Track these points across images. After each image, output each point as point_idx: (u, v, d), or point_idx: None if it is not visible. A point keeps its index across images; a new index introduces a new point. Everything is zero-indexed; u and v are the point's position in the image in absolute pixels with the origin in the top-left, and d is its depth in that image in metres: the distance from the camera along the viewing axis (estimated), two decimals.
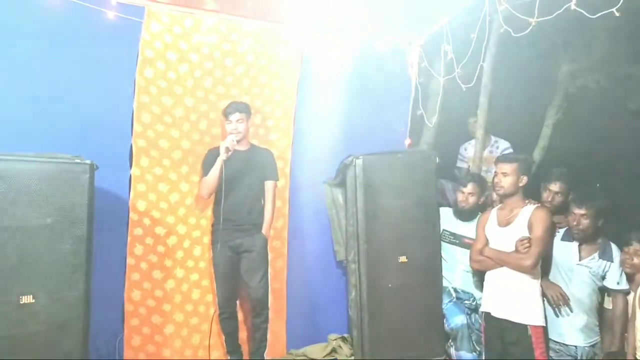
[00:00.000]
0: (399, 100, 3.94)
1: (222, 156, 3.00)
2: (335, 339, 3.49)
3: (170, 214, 3.17)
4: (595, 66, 4.95)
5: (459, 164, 4.41)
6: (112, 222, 2.94)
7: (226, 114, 3.13)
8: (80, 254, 2.43)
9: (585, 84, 5.05)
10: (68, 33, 2.84)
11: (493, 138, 4.26)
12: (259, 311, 3.07)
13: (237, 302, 3.23)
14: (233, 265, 3.11)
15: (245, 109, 3.13)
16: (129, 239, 3.03)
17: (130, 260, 3.03)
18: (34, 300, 2.31)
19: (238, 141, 3.11)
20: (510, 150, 4.13)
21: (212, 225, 3.21)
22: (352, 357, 3.33)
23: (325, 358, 3.38)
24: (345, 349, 3.39)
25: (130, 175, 3.04)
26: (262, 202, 3.16)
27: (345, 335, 3.54)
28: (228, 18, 3.23)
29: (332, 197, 3.66)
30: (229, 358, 3.19)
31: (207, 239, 3.27)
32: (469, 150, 4.36)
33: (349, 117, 3.68)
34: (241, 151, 3.17)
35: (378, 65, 3.78)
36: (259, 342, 3.10)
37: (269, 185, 3.18)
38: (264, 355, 3.10)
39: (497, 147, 4.28)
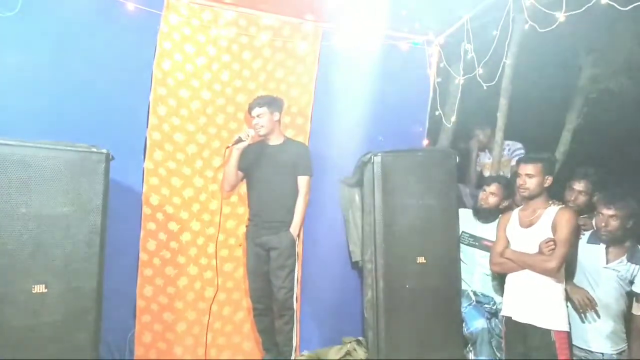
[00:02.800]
0: (418, 100, 3.87)
1: (231, 146, 3.01)
2: (350, 342, 3.39)
3: (184, 209, 3.12)
4: (617, 71, 4.88)
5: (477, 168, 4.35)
6: (125, 215, 2.89)
7: (249, 109, 3.10)
8: (94, 244, 2.39)
9: (606, 88, 4.96)
10: (87, 23, 2.82)
11: (505, 142, 4.18)
12: (282, 312, 2.97)
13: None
14: (262, 261, 3.03)
15: (266, 103, 3.07)
16: (142, 233, 2.99)
17: (143, 256, 2.98)
18: (46, 290, 2.27)
19: (261, 135, 3.08)
20: (523, 152, 4.06)
21: (248, 220, 3.15)
22: None
23: None
24: (360, 352, 3.30)
25: (143, 169, 2.99)
26: (294, 199, 3.06)
27: (360, 338, 3.44)
28: (247, 11, 3.20)
29: (348, 196, 3.59)
30: (264, 358, 3.13)
31: (222, 237, 3.21)
32: (482, 156, 4.31)
33: (366, 116, 3.61)
34: (273, 145, 3.12)
35: (397, 64, 3.72)
36: (282, 345, 2.99)
37: (302, 181, 3.09)
38: None
39: (510, 150, 4.21)
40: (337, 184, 3.61)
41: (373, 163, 3.16)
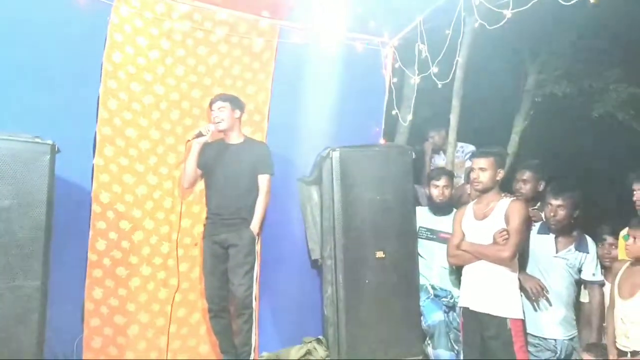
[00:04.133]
0: (374, 100, 3.92)
1: (192, 139, 2.96)
2: (310, 341, 3.34)
3: (137, 207, 2.99)
4: (560, 77, 5.16)
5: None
6: (71, 213, 2.74)
7: (210, 103, 3.06)
8: (38, 240, 2.26)
9: (551, 92, 5.23)
10: (35, 10, 2.69)
11: (458, 144, 4.30)
12: (240, 311, 2.88)
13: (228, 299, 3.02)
14: (219, 260, 2.96)
15: (229, 99, 3.04)
16: (90, 232, 2.84)
17: (91, 256, 2.83)
18: None
19: (221, 130, 3.04)
20: None
21: (206, 219, 3.07)
22: (328, 358, 3.18)
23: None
24: (321, 351, 3.25)
25: (93, 165, 2.86)
26: (254, 198, 3.01)
27: (320, 337, 3.40)
28: (201, 5, 3.14)
29: (307, 194, 3.57)
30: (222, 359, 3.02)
31: (175, 236, 3.10)
32: (436, 159, 4.41)
33: (324, 115, 3.62)
34: (233, 144, 3.08)
35: (353, 64, 3.75)
36: (241, 346, 2.90)
37: (262, 179, 3.05)
38: None
39: (463, 151, 4.34)
40: (296, 183, 3.58)
41: (332, 158, 3.17)
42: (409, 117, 4.00)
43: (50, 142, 2.34)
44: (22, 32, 2.68)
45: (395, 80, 3.94)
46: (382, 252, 3.16)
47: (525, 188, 3.25)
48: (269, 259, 3.38)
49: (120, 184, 2.94)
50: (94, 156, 2.87)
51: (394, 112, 3.96)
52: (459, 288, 3.19)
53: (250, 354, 2.87)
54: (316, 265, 3.55)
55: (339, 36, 3.64)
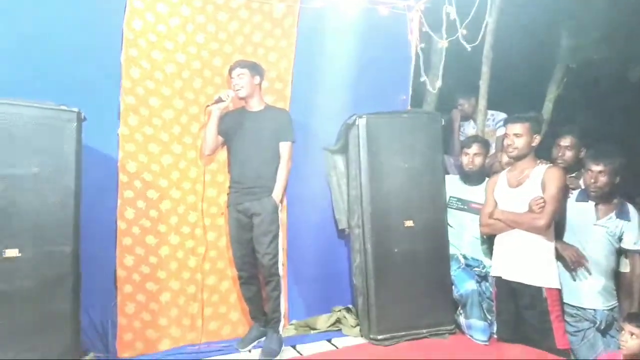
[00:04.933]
0: (400, 66, 3.79)
1: (211, 105, 2.94)
2: (339, 310, 3.32)
3: (163, 177, 2.98)
4: (598, 41, 4.90)
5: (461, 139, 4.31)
6: (99, 181, 2.74)
7: (230, 70, 3.00)
8: (68, 207, 2.26)
9: (586, 57, 4.99)
10: None
11: (489, 112, 4.16)
12: (268, 279, 2.86)
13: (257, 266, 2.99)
14: (245, 229, 2.93)
15: (248, 66, 2.97)
16: (119, 201, 2.84)
17: (121, 224, 2.84)
18: (19, 254, 2.13)
19: (241, 98, 2.99)
20: None
21: (229, 188, 3.05)
22: (358, 327, 3.16)
23: (330, 329, 3.21)
24: (350, 319, 3.23)
25: (118, 134, 2.85)
26: (276, 166, 2.96)
27: (350, 306, 3.37)
28: None
29: (332, 163, 3.50)
30: (252, 327, 3.06)
31: (202, 205, 3.09)
32: (466, 127, 4.28)
33: (349, 83, 3.52)
34: (253, 112, 3.03)
35: (379, 30, 3.63)
36: (271, 312, 2.88)
37: (283, 146, 2.98)
38: (279, 329, 2.87)
39: (494, 120, 4.19)
40: (321, 152, 3.52)
41: (358, 125, 3.09)
42: (438, 83, 3.86)
43: (76, 109, 2.32)
44: (44, 1, 2.66)
45: (422, 45, 3.79)
46: (411, 220, 3.09)
47: (567, 155, 3.11)
48: (296, 228, 3.37)
49: (146, 153, 2.93)
50: (119, 126, 2.85)
51: (421, 79, 3.83)
52: (490, 258, 3.11)
53: (280, 320, 2.86)
54: (343, 234, 3.51)
55: (363, 0, 3.51)
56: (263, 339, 2.93)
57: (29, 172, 2.18)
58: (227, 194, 3.05)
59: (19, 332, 2.14)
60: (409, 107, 3.83)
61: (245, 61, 3.02)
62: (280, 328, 2.89)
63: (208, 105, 2.98)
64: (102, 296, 2.76)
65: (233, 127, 3.02)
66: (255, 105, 3.04)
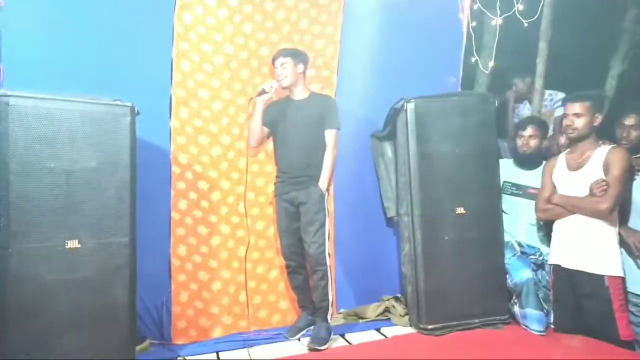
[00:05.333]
0: (451, 47, 3.66)
1: (255, 97, 2.96)
2: (388, 299, 3.29)
3: (213, 168, 3.04)
4: None
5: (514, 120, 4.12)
6: (154, 174, 2.83)
7: (273, 60, 2.99)
8: (124, 200, 2.35)
9: None
10: None
11: (546, 92, 3.94)
12: (315, 268, 2.87)
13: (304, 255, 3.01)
14: (292, 218, 2.95)
15: (290, 54, 2.95)
16: (172, 193, 2.93)
17: (174, 215, 2.94)
18: (80, 245, 2.24)
19: (285, 87, 2.98)
20: None
21: (276, 177, 3.08)
22: (407, 316, 3.12)
23: (378, 318, 3.20)
24: (399, 308, 3.19)
25: (170, 127, 2.93)
26: (322, 154, 2.94)
27: (399, 295, 3.34)
28: None
29: (380, 150, 3.45)
30: (300, 315, 3.10)
31: (252, 195, 3.14)
32: (521, 107, 4.09)
33: (398, 67, 3.45)
34: (298, 100, 3.02)
35: (427, 10, 3.51)
36: (319, 301, 2.90)
37: (328, 134, 2.95)
38: (328, 317, 2.88)
39: (552, 100, 3.98)
40: (368, 139, 3.47)
41: (406, 110, 3.01)
42: (490, 63, 3.70)
43: (129, 104, 2.39)
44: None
45: (474, 24, 3.63)
46: (462, 208, 3.00)
47: (632, 134, 2.91)
48: (343, 217, 3.36)
49: (196, 145, 2.99)
50: (170, 118, 2.92)
51: (473, 60, 3.69)
52: (547, 245, 2.98)
53: (328, 309, 2.86)
54: (392, 223, 3.46)
55: None
56: (312, 327, 2.96)
57: (87, 166, 2.27)
58: (274, 184, 3.07)
59: (80, 319, 2.26)
60: (459, 90, 3.70)
61: (288, 49, 3.01)
62: (329, 317, 2.90)
63: (252, 98, 2.99)
64: (158, 285, 2.87)
65: (278, 117, 3.02)
66: (299, 94, 3.03)
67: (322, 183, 2.91)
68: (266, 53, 3.13)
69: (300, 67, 2.99)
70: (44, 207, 2.19)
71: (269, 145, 3.18)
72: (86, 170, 2.27)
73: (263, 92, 2.95)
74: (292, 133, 2.96)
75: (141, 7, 2.82)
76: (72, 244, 2.23)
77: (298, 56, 2.98)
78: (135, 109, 2.44)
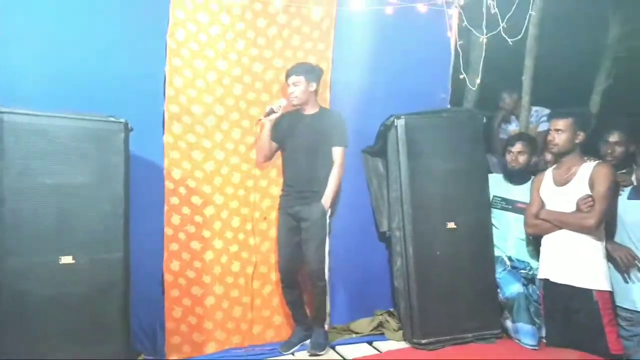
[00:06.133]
0: (439, 65, 3.72)
1: (263, 118, 2.97)
2: (381, 314, 3.31)
3: (206, 183, 3.05)
4: None
5: (502, 136, 4.21)
6: (146, 189, 2.83)
7: (286, 76, 3.03)
8: (118, 215, 2.36)
9: (635, 47, 4.75)
10: None
11: (532, 108, 4.04)
12: (315, 282, 2.90)
13: (299, 271, 3.05)
14: (293, 233, 2.97)
15: (304, 71, 2.98)
16: (165, 208, 2.93)
17: (167, 230, 2.93)
18: (74, 261, 2.25)
19: (295, 105, 3.01)
20: None
21: (282, 190, 3.10)
22: (400, 331, 3.14)
23: (372, 333, 3.20)
24: (393, 323, 3.21)
25: (163, 142, 2.94)
26: (328, 170, 2.95)
27: (392, 309, 3.35)
28: None
29: (372, 165, 3.49)
30: (295, 330, 3.09)
31: (245, 210, 3.15)
32: (509, 124, 4.18)
33: (387, 82, 3.51)
34: (308, 115, 3.05)
35: (417, 28, 3.58)
36: (317, 312, 2.93)
37: (335, 151, 2.98)
38: (325, 325, 2.93)
39: (537, 115, 4.07)
40: (360, 154, 3.51)
41: (396, 126, 3.07)
42: (477, 80, 3.77)
43: (123, 120, 2.42)
44: (88, 12, 2.76)
45: (461, 42, 3.72)
46: (453, 222, 3.04)
47: (616, 151, 2.98)
48: (336, 231, 3.36)
49: (190, 160, 3.01)
50: (163, 133, 2.94)
51: (461, 77, 3.76)
52: (537, 260, 3.03)
53: (325, 319, 2.89)
54: (384, 237, 3.49)
55: None
56: (306, 342, 2.97)
57: (81, 182, 2.29)
58: (280, 197, 3.09)
59: (74, 335, 2.25)
60: (448, 106, 3.77)
61: (302, 66, 3.01)
62: (326, 325, 2.93)
63: (260, 119, 3.01)
64: (151, 300, 2.86)
65: (287, 131, 3.04)
66: (309, 109, 3.06)
67: (326, 200, 2.92)
68: (259, 69, 3.17)
69: (313, 85, 3.00)
70: (38, 222, 2.20)
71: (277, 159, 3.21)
72: (80, 186, 2.29)
73: (272, 111, 2.96)
74: (300, 148, 2.98)
75: (135, 23, 2.86)
76: (66, 259, 2.23)
77: (312, 73, 3.00)
78: (129, 125, 2.46)
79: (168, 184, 2.94)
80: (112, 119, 2.40)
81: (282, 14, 3.20)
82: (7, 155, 2.16)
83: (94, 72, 2.74)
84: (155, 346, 2.86)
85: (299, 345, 2.99)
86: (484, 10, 3.33)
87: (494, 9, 3.26)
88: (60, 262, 2.22)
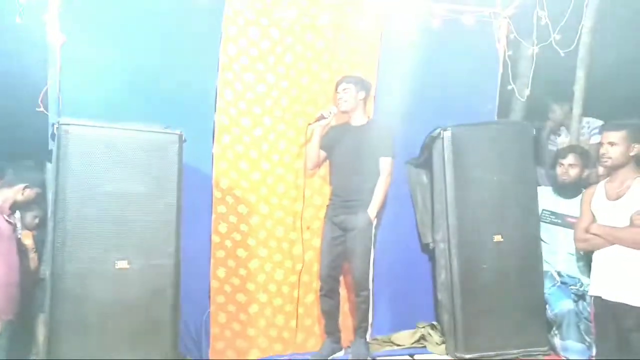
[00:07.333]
0: (486, 76, 3.69)
1: (313, 123, 3.05)
2: (423, 326, 3.27)
3: (252, 192, 3.14)
4: None
5: (550, 148, 4.10)
6: (197, 197, 2.94)
7: (336, 85, 3.11)
8: (171, 223, 2.46)
9: None
10: (155, 7, 2.95)
11: (584, 119, 3.90)
12: (358, 292, 2.93)
13: (340, 281, 3.10)
14: (337, 242, 3.01)
15: (353, 80, 3.06)
16: (213, 216, 3.04)
17: (214, 238, 3.03)
18: (128, 266, 2.36)
19: (343, 111, 3.08)
20: None
21: (329, 199, 3.16)
22: (443, 345, 3.10)
23: (413, 345, 3.18)
24: (435, 336, 3.17)
25: (212, 153, 3.05)
26: (374, 180, 2.99)
27: (434, 322, 3.32)
28: None
29: (415, 177, 3.49)
30: (325, 341, 3.11)
31: (289, 220, 3.21)
32: (559, 136, 4.05)
33: (433, 95, 3.50)
34: (356, 126, 3.11)
35: (463, 39, 3.57)
36: (359, 321, 2.95)
37: (383, 162, 3.01)
38: (367, 336, 2.95)
39: (589, 127, 3.93)
40: (404, 165, 3.51)
41: (443, 138, 3.05)
42: (526, 92, 3.70)
43: (178, 132, 2.53)
44: (148, 30, 2.94)
45: (510, 53, 3.67)
46: (500, 235, 2.99)
47: None
48: (379, 242, 3.36)
49: (237, 170, 3.10)
50: (213, 144, 3.05)
51: (509, 87, 3.70)
52: (587, 276, 2.92)
53: (367, 329, 2.91)
54: (427, 249, 3.46)
55: (447, 11, 3.47)
56: (337, 354, 2.99)
57: (138, 190, 2.41)
58: (327, 206, 3.14)
59: (126, 336, 2.36)
60: (495, 117, 3.71)
61: (351, 76, 3.11)
62: (368, 336, 2.94)
63: (310, 124, 3.09)
64: (198, 306, 2.96)
65: (335, 141, 3.11)
66: (358, 120, 3.11)
67: (372, 210, 2.95)
68: (306, 82, 3.24)
69: (362, 94, 3.07)
70: (97, 229, 2.33)
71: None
72: (137, 195, 2.40)
73: (322, 117, 3.04)
74: (348, 158, 3.03)
75: (189, 39, 3.01)
76: (122, 264, 2.35)
77: (360, 83, 3.08)
78: (183, 136, 2.57)
79: (216, 193, 3.05)
80: (169, 131, 2.51)
81: (329, 27, 3.26)
82: (71, 164, 2.31)
83: (151, 85, 2.91)
84: (201, 350, 2.95)
85: (329, 358, 3.02)
86: (535, 21, 3.28)
87: (546, 19, 3.22)
88: (116, 267, 2.34)
